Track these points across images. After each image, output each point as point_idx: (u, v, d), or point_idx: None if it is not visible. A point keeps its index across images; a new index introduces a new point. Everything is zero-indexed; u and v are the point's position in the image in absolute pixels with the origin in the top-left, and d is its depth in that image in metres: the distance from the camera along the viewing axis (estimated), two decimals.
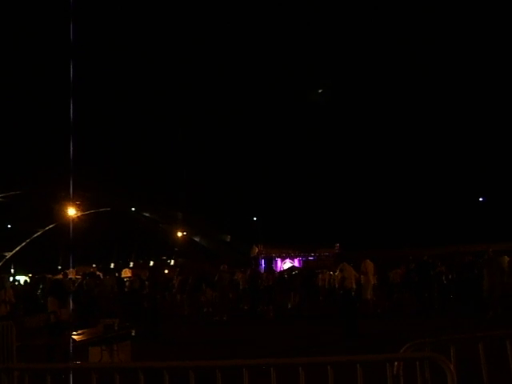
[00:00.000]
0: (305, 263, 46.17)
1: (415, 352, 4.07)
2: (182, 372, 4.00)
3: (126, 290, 23.01)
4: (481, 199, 58.85)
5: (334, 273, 25.02)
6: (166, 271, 43.17)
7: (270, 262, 46.06)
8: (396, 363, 3.99)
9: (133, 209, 63.59)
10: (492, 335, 4.41)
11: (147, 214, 65.69)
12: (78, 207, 45.73)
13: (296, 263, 47.65)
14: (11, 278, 36.22)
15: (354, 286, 15.08)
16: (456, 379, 3.72)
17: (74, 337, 11.22)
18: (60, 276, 30.23)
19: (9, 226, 54.80)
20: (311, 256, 48.95)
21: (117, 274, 33.26)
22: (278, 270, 44.69)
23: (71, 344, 10.98)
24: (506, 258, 19.81)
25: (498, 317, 15.32)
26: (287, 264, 47.38)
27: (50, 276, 30.81)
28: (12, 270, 43.84)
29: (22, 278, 36.06)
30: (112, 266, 48.70)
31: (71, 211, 40.03)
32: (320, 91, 60.04)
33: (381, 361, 3.97)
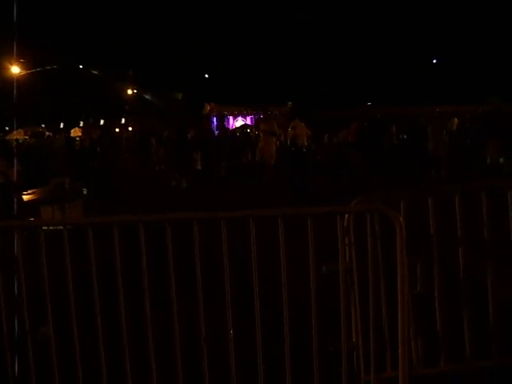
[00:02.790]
0: (257, 121, 46.06)
1: (365, 204, 4.07)
2: (133, 226, 3.93)
3: (76, 149, 22.73)
4: (435, 61, 58.73)
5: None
6: (117, 130, 42.63)
7: (222, 120, 45.77)
8: (346, 215, 4.00)
9: (81, 66, 61.59)
10: (442, 189, 4.45)
11: (96, 72, 63.81)
12: (23, 65, 43.97)
13: (248, 121, 47.54)
14: None
15: (306, 144, 15.20)
16: (404, 231, 3.76)
17: (24, 196, 11.13)
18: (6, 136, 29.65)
19: None
20: (263, 114, 48.75)
21: (67, 134, 32.73)
22: (231, 127, 44.60)
23: (22, 203, 10.91)
24: (456, 120, 20.04)
25: (441, 176, 15.72)
26: (239, 122, 47.25)
27: None
28: None
29: None
30: (61, 125, 47.76)
31: (15, 69, 38.45)
32: None
33: (331, 213, 3.97)
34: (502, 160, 17.34)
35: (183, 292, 3.98)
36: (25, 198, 11.16)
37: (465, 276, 4.25)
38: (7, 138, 32.93)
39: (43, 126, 44.80)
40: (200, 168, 20.69)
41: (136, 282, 3.94)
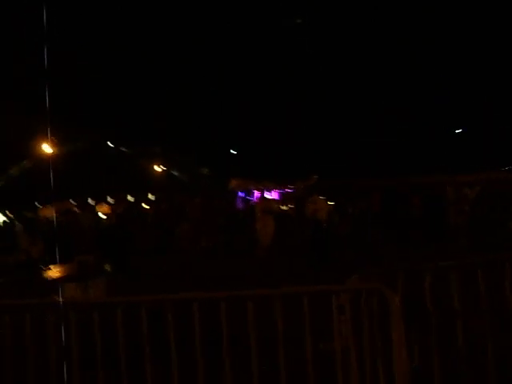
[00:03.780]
0: (282, 196, 46.40)
1: (362, 283, 4.19)
2: (158, 305, 4.10)
3: (101, 226, 23.05)
4: (458, 130, 58.89)
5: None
6: (145, 206, 43.16)
7: (248, 195, 46.07)
8: (341, 294, 4.12)
9: (110, 144, 63.09)
10: (439, 266, 4.54)
11: (124, 149, 65.27)
12: (54, 143, 45.19)
13: (274, 196, 47.81)
14: None
15: (326, 218, 15.30)
16: (400, 310, 3.86)
17: (46, 274, 11.34)
18: (35, 213, 30.22)
19: None
20: (289, 188, 49.04)
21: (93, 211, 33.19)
22: (255, 202, 44.81)
23: (44, 280, 11.11)
24: (477, 188, 19.97)
25: (461, 245, 15.60)
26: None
27: (27, 213, 30.71)
28: None
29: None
30: (90, 201, 48.55)
31: (46, 147, 39.53)
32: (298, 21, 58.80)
33: (327, 291, 4.10)
34: None
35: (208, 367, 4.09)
36: (48, 274, 11.36)
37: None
38: (37, 214, 33.55)
39: (72, 201, 45.58)
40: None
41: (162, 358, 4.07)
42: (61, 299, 9.65)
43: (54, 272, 11.46)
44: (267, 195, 47.53)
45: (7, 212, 36.33)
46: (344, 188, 20.16)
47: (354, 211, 23.69)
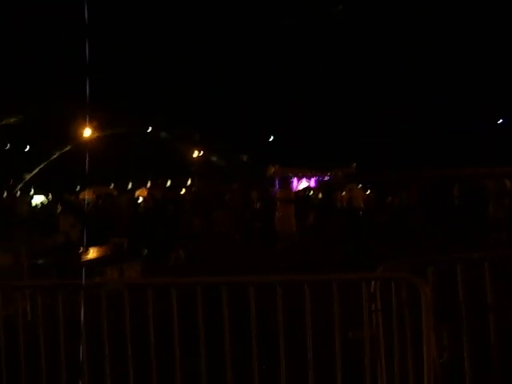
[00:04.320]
0: (320, 183, 46.21)
1: (392, 272, 4.14)
2: (189, 289, 4.14)
3: (139, 209, 23.31)
4: (500, 121, 57.79)
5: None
6: (183, 191, 43.47)
7: (286, 182, 46.06)
8: (373, 282, 4.08)
9: (149, 129, 63.55)
10: (470, 258, 4.46)
11: (164, 134, 65.67)
12: (95, 128, 45.84)
13: (312, 183, 47.69)
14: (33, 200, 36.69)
15: (362, 206, 15.21)
16: (430, 300, 3.80)
17: (83, 256, 11.53)
18: (76, 196, 30.69)
19: (26, 149, 55.28)
20: (327, 176, 48.83)
21: (130, 195, 33.63)
22: (295, 189, 44.78)
23: (81, 263, 11.30)
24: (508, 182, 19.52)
25: (501, 240, 15.37)
26: (303, 184, 47.40)
27: (68, 196, 31.22)
28: (31, 192, 44.43)
29: (39, 199, 36.64)
30: (130, 186, 49.08)
31: (87, 132, 40.13)
32: (341, 7, 58.17)
33: (357, 279, 4.06)
34: None
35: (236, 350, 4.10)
36: (85, 257, 11.56)
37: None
38: (77, 197, 34.12)
39: (112, 186, 46.10)
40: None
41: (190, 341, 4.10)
42: (97, 280, 9.81)
43: (91, 254, 11.64)
44: (306, 182, 47.49)
45: (49, 195, 37.01)
46: (384, 178, 19.96)
47: (393, 201, 23.54)
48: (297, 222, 17.55)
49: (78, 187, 45.30)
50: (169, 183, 49.65)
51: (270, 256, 15.31)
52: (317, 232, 20.58)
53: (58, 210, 24.82)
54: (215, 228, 23.80)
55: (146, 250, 15.27)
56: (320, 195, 30.14)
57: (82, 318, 4.26)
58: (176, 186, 41.93)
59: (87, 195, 32.65)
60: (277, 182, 46.34)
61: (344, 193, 17.27)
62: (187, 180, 54.80)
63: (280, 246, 16.72)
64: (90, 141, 42.16)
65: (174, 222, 19.15)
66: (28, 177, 53.44)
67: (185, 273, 12.21)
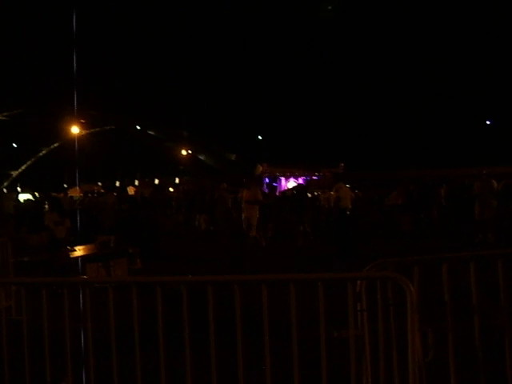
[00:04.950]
0: (308, 183, 46.27)
1: (377, 272, 4.13)
2: (174, 287, 4.12)
3: (125, 208, 23.23)
4: (488, 122, 58.24)
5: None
6: (171, 189, 43.46)
7: (274, 181, 46.17)
8: (358, 282, 4.07)
9: (138, 127, 63.43)
10: (456, 257, 4.47)
11: (152, 133, 65.56)
12: (83, 125, 45.74)
13: (300, 182, 47.76)
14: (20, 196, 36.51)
15: (350, 206, 15.20)
16: (416, 300, 3.79)
17: (70, 253, 11.46)
18: (62, 194, 30.53)
19: (14, 145, 55.01)
20: (315, 175, 48.95)
21: (116, 193, 33.54)
22: (283, 188, 44.87)
23: (67, 260, 11.24)
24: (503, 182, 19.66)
25: (488, 240, 15.50)
26: (291, 183, 47.50)
27: (55, 194, 31.08)
28: (18, 189, 44.26)
29: (26, 196, 36.42)
30: (117, 184, 48.99)
31: (75, 129, 39.98)
32: (329, 7, 58.38)
33: (342, 279, 4.04)
34: None
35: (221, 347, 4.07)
36: (71, 254, 11.48)
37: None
38: (64, 195, 33.99)
39: (99, 183, 46.04)
40: None
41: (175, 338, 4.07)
42: (84, 277, 9.75)
43: (78, 251, 11.57)
44: (293, 181, 47.51)
45: (36, 192, 36.82)
46: (372, 179, 20.03)
47: (380, 201, 23.59)
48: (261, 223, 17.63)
49: (66, 185, 45.10)
50: (157, 181, 49.61)
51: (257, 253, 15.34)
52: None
53: (44, 208, 24.75)
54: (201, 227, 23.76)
55: (132, 249, 15.23)
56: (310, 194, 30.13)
57: (66, 316, 4.24)
58: (164, 185, 41.87)
59: (74, 193, 32.54)
60: (265, 180, 46.43)
61: (332, 192, 17.25)
62: (174, 178, 54.81)
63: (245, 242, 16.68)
64: (78, 138, 42.06)
65: (156, 220, 19.12)
66: (15, 174, 53.21)
67: (170, 271, 12.19)
